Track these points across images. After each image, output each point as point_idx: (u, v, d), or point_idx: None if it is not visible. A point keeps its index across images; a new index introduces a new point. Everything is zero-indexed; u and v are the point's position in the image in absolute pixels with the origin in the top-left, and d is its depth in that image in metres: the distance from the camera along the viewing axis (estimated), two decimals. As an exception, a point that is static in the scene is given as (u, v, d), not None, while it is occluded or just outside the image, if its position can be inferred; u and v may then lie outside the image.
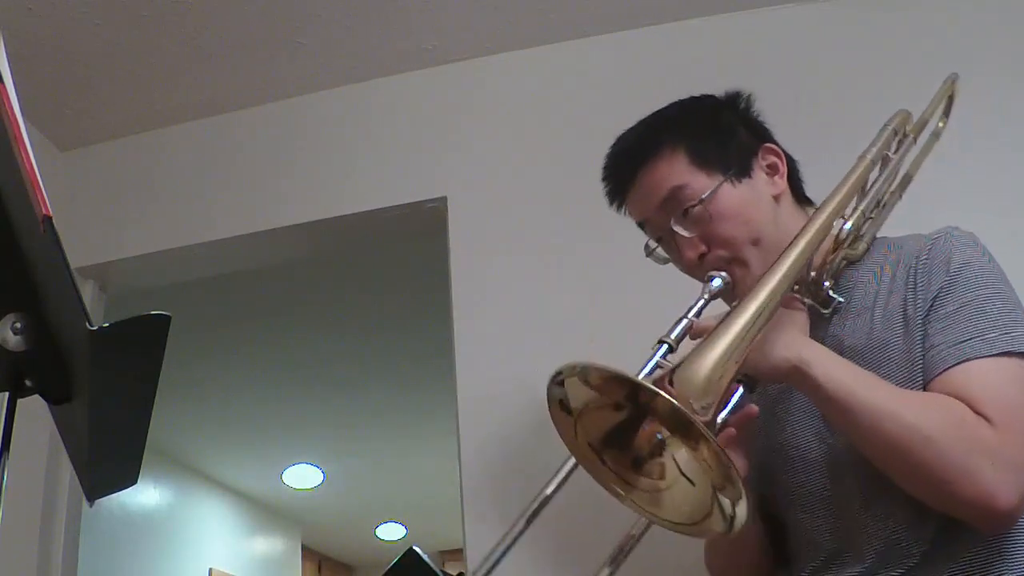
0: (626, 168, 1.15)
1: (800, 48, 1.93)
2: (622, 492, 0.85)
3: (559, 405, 0.85)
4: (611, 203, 1.20)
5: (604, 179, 1.19)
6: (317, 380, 3.79)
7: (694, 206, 1.07)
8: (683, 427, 0.78)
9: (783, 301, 0.95)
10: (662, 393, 0.77)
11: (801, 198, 1.17)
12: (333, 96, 2.17)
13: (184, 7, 1.90)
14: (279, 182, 2.13)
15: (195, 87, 2.15)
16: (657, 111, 1.17)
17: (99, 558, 3.63)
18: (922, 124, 1.22)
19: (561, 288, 1.84)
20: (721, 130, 1.12)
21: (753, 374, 0.93)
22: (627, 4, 1.98)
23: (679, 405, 0.76)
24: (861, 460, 0.94)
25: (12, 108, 0.72)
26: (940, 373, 0.93)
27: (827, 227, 1.01)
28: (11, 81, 0.73)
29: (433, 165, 2.04)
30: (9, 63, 0.76)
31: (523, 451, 1.70)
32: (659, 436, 0.83)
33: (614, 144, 1.18)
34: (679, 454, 0.82)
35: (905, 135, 1.18)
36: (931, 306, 0.97)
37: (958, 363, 0.92)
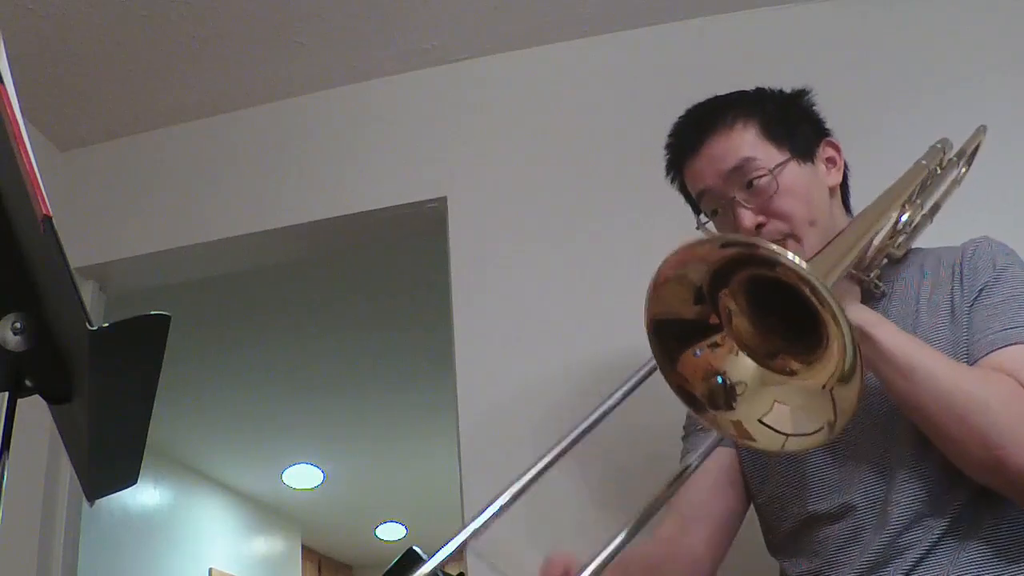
0: (695, 136, 1.16)
1: (800, 48, 1.93)
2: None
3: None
4: (668, 172, 1.22)
5: (668, 146, 1.21)
6: (317, 380, 3.79)
7: (762, 176, 1.10)
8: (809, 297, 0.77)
9: None
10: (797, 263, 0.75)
11: (847, 205, 1.21)
12: (333, 96, 2.17)
13: (184, 7, 1.90)
14: (279, 182, 2.13)
15: (195, 87, 2.15)
16: (727, 93, 1.19)
17: (99, 558, 3.63)
18: (962, 153, 1.26)
19: (561, 287, 1.84)
20: (789, 116, 1.16)
21: None
22: (627, 4, 1.98)
23: (808, 270, 0.74)
24: (907, 427, 0.98)
25: (12, 108, 0.72)
26: (987, 354, 0.98)
27: (896, 205, 1.06)
28: (11, 81, 0.73)
29: (433, 165, 2.04)
30: (9, 63, 0.76)
31: (524, 451, 1.70)
32: (720, 380, 0.85)
33: (684, 114, 1.20)
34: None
35: (949, 158, 1.22)
36: (977, 296, 1.02)
37: (1006, 346, 0.97)
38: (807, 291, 0.76)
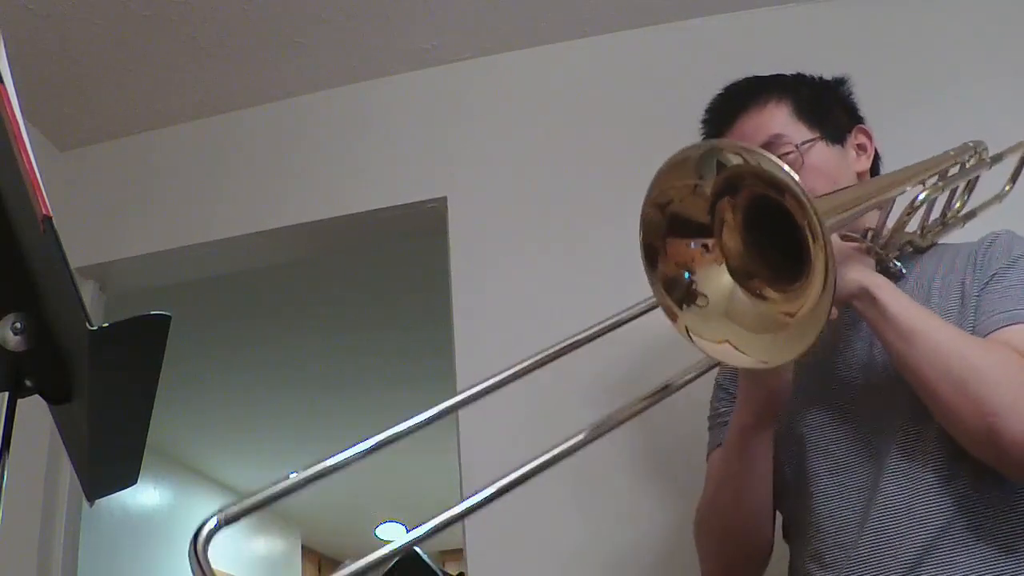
0: (729, 112, 1.19)
1: (800, 48, 1.92)
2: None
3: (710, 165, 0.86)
4: None
5: (704, 122, 1.23)
6: (317, 380, 3.79)
7: (789, 153, 1.11)
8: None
9: (856, 247, 1.03)
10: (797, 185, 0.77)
11: None
12: (333, 96, 2.17)
13: (184, 7, 1.90)
14: (279, 182, 2.13)
15: (195, 87, 2.15)
16: (766, 75, 1.22)
17: (99, 558, 3.63)
18: (998, 158, 1.26)
19: (561, 288, 1.84)
20: (824, 100, 1.19)
21: None
22: (627, 4, 1.98)
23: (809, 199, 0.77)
24: (898, 422, 0.99)
25: (12, 108, 0.72)
26: (992, 331, 0.98)
27: (912, 180, 1.06)
28: (11, 81, 0.73)
29: (433, 165, 2.04)
30: (9, 63, 0.76)
31: (523, 451, 1.70)
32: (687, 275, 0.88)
33: (721, 91, 1.23)
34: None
35: (981, 158, 1.22)
36: (988, 281, 1.03)
37: (1011, 324, 0.98)
38: (801, 217, 0.78)
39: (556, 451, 0.80)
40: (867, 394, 1.05)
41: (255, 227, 2.11)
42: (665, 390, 0.91)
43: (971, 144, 1.21)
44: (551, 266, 1.87)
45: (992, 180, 1.25)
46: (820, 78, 1.22)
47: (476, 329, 1.87)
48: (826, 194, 0.93)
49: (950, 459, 0.96)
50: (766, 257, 0.87)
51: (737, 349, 0.85)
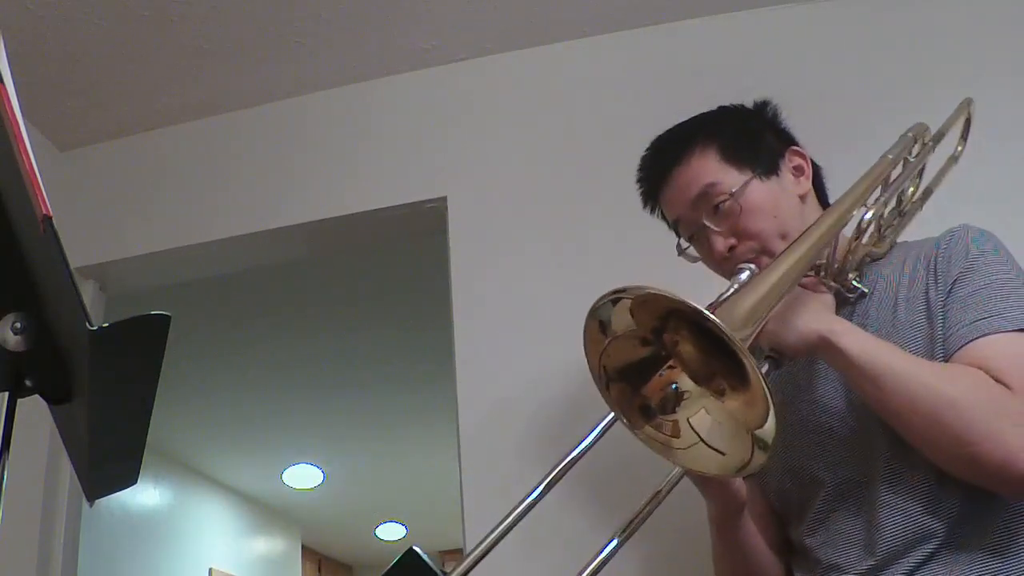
0: (660, 170, 1.19)
1: (800, 48, 1.93)
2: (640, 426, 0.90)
3: (598, 325, 0.92)
4: (645, 205, 1.24)
5: (639, 181, 1.23)
6: (317, 380, 3.79)
7: (725, 200, 1.11)
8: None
9: (809, 285, 1.02)
10: (709, 315, 0.77)
11: (825, 204, 1.21)
12: (333, 96, 2.17)
13: (184, 7, 1.90)
14: (279, 182, 2.13)
15: (195, 87, 2.15)
16: (688, 118, 1.21)
17: (99, 558, 3.63)
18: (940, 135, 1.25)
19: (561, 288, 1.84)
20: (750, 132, 1.18)
21: (781, 349, 0.97)
22: (627, 4, 1.98)
23: (723, 326, 0.77)
24: (885, 442, 0.98)
25: (12, 108, 0.72)
26: (961, 347, 0.97)
27: (851, 210, 1.06)
28: (11, 81, 0.73)
29: (433, 165, 2.04)
30: (9, 63, 0.76)
31: (523, 451, 1.70)
32: (675, 387, 0.89)
33: (648, 148, 1.23)
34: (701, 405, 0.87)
35: (924, 143, 1.22)
36: (951, 289, 1.01)
37: (978, 337, 0.96)
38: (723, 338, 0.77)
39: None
40: (845, 426, 1.04)
41: (255, 227, 2.11)
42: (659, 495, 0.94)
43: (910, 134, 1.20)
44: (551, 266, 1.87)
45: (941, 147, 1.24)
46: (743, 108, 1.21)
47: (476, 329, 1.87)
48: (724, 300, 0.93)
49: (938, 484, 0.96)
50: (720, 355, 0.85)
51: (709, 415, 0.86)
